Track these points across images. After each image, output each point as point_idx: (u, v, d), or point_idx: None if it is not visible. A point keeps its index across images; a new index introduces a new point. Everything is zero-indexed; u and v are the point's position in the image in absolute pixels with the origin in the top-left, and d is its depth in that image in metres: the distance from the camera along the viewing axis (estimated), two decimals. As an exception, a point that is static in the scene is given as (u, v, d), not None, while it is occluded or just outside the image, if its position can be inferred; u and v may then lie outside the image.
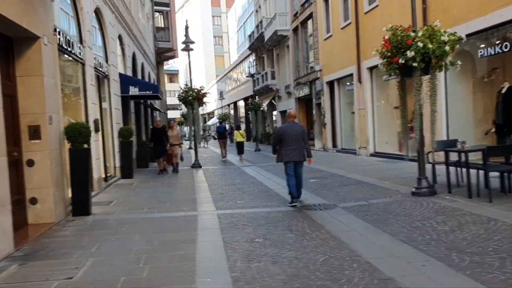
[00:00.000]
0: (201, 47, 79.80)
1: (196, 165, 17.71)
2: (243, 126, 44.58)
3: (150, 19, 29.31)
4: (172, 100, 48.78)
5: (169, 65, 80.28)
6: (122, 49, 17.15)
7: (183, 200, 9.70)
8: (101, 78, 13.25)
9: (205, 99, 18.77)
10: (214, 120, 58.66)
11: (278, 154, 8.70)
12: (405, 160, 12.64)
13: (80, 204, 8.15)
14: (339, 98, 20.93)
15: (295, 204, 8.36)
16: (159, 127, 15.55)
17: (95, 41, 12.53)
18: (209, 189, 11.36)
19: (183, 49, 19.57)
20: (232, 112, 54.09)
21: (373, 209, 7.73)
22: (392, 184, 10.34)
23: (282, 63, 31.31)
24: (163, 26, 39.83)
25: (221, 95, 52.66)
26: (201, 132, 49.19)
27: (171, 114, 54.12)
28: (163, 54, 38.34)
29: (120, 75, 15.24)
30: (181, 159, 16.25)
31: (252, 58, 40.13)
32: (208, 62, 78.68)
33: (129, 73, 17.82)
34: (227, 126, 49.40)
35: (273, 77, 32.95)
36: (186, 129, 54.27)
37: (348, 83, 20.12)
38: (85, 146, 8.29)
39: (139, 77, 20.80)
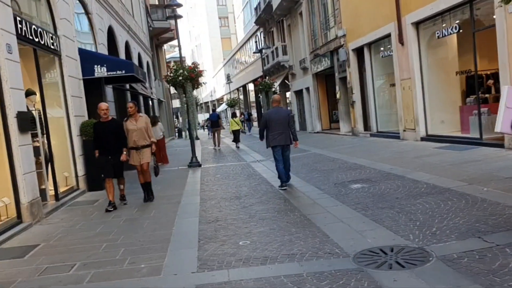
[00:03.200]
0: (206, 30, 75.69)
1: (194, 164, 13.77)
2: (254, 111, 40.46)
3: (138, -8, 25.21)
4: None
5: (175, 52, 76.50)
6: (89, 19, 13.14)
7: (149, 242, 5.72)
8: (43, 55, 9.33)
9: (202, 79, 14.78)
10: (223, 107, 54.65)
11: (266, 140, 8.75)
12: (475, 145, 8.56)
13: None
14: (371, 68, 16.68)
15: (285, 188, 8.57)
16: (107, 121, 8.12)
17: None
18: (200, 211, 7.37)
19: (168, 17, 15.44)
20: (242, 97, 49.94)
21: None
22: (502, 193, 6.22)
23: (295, 35, 27.00)
24: (158, 3, 35.76)
25: (228, 78, 48.41)
26: (204, 121, 45.45)
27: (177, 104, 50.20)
28: (161, 35, 34.35)
29: (81, 51, 11.26)
30: (155, 173, 8.93)
31: (260, 33, 35.79)
32: (214, 45, 74.42)
33: (103, 51, 13.85)
34: (238, 113, 45.45)
35: (285, 53, 28.66)
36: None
37: (382, 48, 15.84)
38: None
39: (123, 58, 16.81)
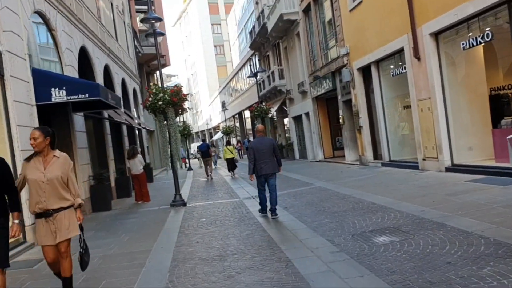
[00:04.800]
0: (201, 58, 74.65)
1: (178, 203, 11.64)
2: (251, 138, 38.52)
3: (124, 15, 23.56)
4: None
5: (171, 81, 75.12)
6: (53, 36, 11.24)
7: None
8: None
9: (187, 104, 12.84)
10: (219, 135, 52.71)
11: (253, 170, 8.66)
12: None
13: None
14: (379, 88, 14.74)
15: (266, 215, 8.71)
16: None
17: None
18: (167, 283, 5.22)
19: (147, 35, 13.58)
20: (238, 124, 48.06)
21: None
22: None
23: (292, 58, 25.26)
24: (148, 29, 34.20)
25: (223, 105, 46.59)
26: (194, 152, 43.33)
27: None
28: (151, 62, 32.66)
29: (35, 72, 9.28)
30: (82, 266, 5.26)
31: (255, 58, 34.14)
32: (210, 73, 73.11)
33: (72, 74, 11.91)
34: (234, 140, 43.47)
35: (281, 77, 26.86)
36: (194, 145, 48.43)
37: (392, 66, 13.95)
38: None
39: (101, 83, 14.88)
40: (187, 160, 30.86)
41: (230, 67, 67.22)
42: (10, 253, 7.37)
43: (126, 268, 6.11)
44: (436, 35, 11.01)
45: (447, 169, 11.04)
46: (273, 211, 8.54)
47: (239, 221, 8.68)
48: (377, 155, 15.77)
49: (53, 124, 11.66)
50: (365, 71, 15.64)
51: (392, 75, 13.86)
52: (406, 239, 5.82)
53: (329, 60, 19.17)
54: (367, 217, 7.51)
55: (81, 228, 5.02)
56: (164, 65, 34.94)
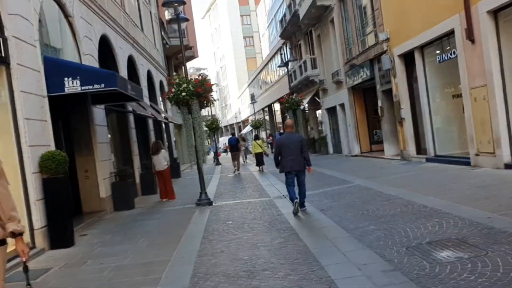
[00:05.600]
0: (231, 50, 73.90)
1: (203, 201, 10.74)
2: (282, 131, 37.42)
3: (150, 4, 22.78)
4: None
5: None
6: (69, 23, 10.47)
7: None
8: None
9: (218, 97, 11.93)
10: (248, 128, 51.83)
11: (280, 166, 8.59)
12: None
13: None
14: (424, 76, 13.36)
15: (297, 211, 8.29)
16: None
17: None
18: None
19: (170, 20, 12.67)
20: (267, 118, 46.99)
21: None
22: None
23: (326, 46, 23.97)
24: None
25: (252, 98, 45.53)
26: (220, 145, 42.24)
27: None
28: (179, 54, 31.91)
29: (47, 60, 8.49)
30: (25, 270, 3.31)
31: (285, 47, 32.90)
32: (239, 66, 72.28)
33: (91, 63, 11.15)
34: (264, 134, 42.48)
35: (314, 66, 25.60)
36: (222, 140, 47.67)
37: (439, 50, 12.57)
38: None
39: (125, 75, 14.15)
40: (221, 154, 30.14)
41: (259, 58, 66.10)
42: (16, 260, 6.65)
43: (139, 284, 5.22)
44: (494, 13, 9.62)
45: (507, 166, 9.68)
46: (302, 204, 8.53)
47: (270, 226, 7.67)
48: (420, 149, 14.42)
49: (71, 117, 10.97)
50: (407, 57, 14.28)
51: (439, 61, 12.47)
52: (477, 256, 4.68)
53: (367, 47, 17.84)
54: (420, 224, 6.36)
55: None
56: (192, 57, 34.19)
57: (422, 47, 13.18)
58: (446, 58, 12.03)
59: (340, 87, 21.91)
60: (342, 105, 22.31)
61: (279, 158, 8.56)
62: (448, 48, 11.92)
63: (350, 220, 7.39)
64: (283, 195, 10.64)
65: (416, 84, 13.90)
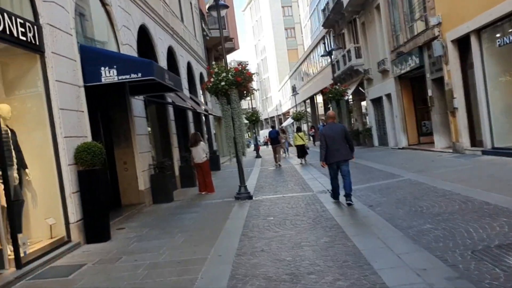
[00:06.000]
0: (272, 42, 73.27)
1: (242, 195, 10.32)
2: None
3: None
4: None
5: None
6: (107, 12, 10.26)
7: None
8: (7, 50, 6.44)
9: (258, 87, 11.48)
10: (289, 121, 51.12)
11: (324, 157, 8.40)
12: None
13: None
14: (481, 62, 12.31)
15: (338, 200, 8.50)
16: None
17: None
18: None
19: (210, 8, 12.28)
20: (309, 110, 46.11)
21: None
22: None
23: (371, 34, 22.98)
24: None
25: (293, 90, 44.70)
26: (261, 138, 41.59)
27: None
28: (219, 46, 31.63)
29: (83, 49, 8.27)
30: None
31: (328, 36, 31.92)
32: (281, 58, 71.54)
33: (130, 53, 10.92)
34: (305, 126, 41.74)
35: (358, 55, 24.62)
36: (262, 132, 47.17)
37: (500, 34, 11.52)
38: None
39: (165, 66, 13.93)
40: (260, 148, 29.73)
41: (301, 50, 65.10)
42: (51, 255, 6.45)
43: (173, 284, 4.83)
44: None
45: None
46: (348, 196, 8.24)
47: (314, 223, 7.13)
48: (475, 141, 13.40)
49: (109, 109, 10.80)
50: (462, 42, 13.24)
51: (499, 45, 11.42)
52: (562, 264, 3.98)
53: (415, 33, 16.82)
54: (485, 224, 5.66)
55: None
56: (233, 49, 33.85)
57: (479, 31, 12.14)
58: (507, 42, 10.98)
59: (386, 77, 20.91)
60: (388, 95, 21.30)
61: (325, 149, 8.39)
62: (511, 30, 10.88)
63: (402, 217, 6.74)
64: (327, 190, 10.05)
65: (472, 70, 12.87)
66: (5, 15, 5.98)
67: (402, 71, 18.48)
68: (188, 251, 6.11)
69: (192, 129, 17.13)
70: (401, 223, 6.38)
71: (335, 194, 8.68)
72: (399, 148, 20.17)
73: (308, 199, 9.49)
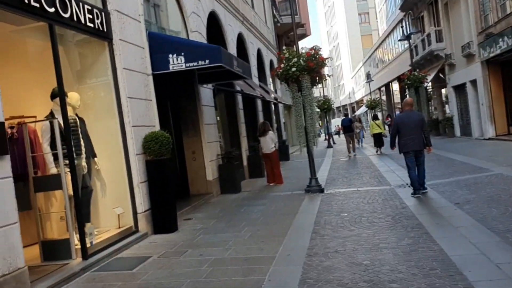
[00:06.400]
0: (344, 28, 71.28)
1: (313, 188, 9.78)
2: (397, 113, 34.74)
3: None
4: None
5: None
6: (178, 1, 10.11)
7: None
8: (75, 37, 6.39)
9: (326, 70, 10.90)
10: (362, 109, 49.38)
11: (398, 145, 8.22)
12: None
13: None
14: None
15: (419, 195, 7.99)
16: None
17: None
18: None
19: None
20: (384, 98, 44.19)
21: None
22: None
23: (454, 15, 21.23)
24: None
25: (368, 77, 42.93)
26: (333, 128, 40.16)
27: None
28: (290, 32, 30.99)
29: (151, 36, 8.12)
30: None
31: (406, 20, 30.11)
32: (354, 44, 69.36)
33: (200, 40, 10.74)
34: (380, 115, 40.11)
35: (439, 39, 22.90)
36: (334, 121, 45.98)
37: None
38: None
39: (234, 54, 13.67)
40: (331, 137, 28.88)
41: (375, 36, 62.57)
42: (118, 245, 6.36)
43: (238, 285, 4.47)
44: None
45: None
46: (422, 185, 8.17)
47: (394, 221, 6.46)
48: None
49: (178, 97, 10.69)
50: None
51: None
52: None
53: (508, 12, 15.15)
54: None
55: None
56: (304, 35, 33.06)
57: None
58: None
59: (472, 61, 19.20)
60: (473, 82, 19.58)
61: (397, 137, 8.25)
62: None
63: (497, 219, 5.90)
64: (406, 184, 9.25)
65: None
66: (73, 1, 5.89)
67: (491, 55, 16.82)
68: (255, 248, 5.73)
69: (261, 118, 16.80)
70: (496, 226, 5.56)
71: (414, 187, 8.17)
72: (484, 139, 18.49)
73: (386, 194, 8.76)
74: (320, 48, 10.19)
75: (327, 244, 5.60)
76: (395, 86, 38.25)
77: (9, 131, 6.45)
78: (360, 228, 6.22)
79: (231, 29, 14.15)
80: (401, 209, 7.25)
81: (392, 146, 8.65)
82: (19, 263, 4.38)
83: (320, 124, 34.19)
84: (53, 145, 5.83)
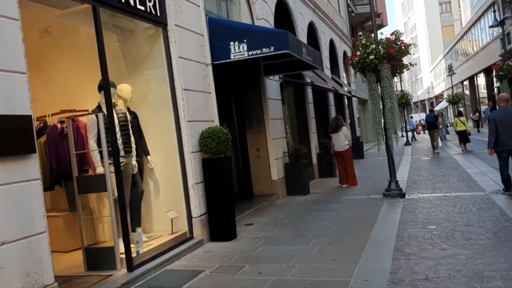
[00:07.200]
0: (423, 19, 67.35)
1: (393, 192, 8.58)
2: (483, 108, 31.72)
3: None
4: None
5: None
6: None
7: None
8: (124, 21, 5.80)
9: (410, 59, 9.69)
10: (443, 104, 46.04)
11: (494, 144, 7.74)
12: None
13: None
14: None
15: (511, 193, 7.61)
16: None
17: None
18: None
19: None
20: (467, 92, 40.81)
21: None
22: None
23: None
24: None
25: (450, 69, 39.75)
26: (414, 122, 37.24)
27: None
28: (366, 23, 29.27)
29: (212, 22, 7.38)
30: None
31: (498, 6, 27.25)
32: (433, 35, 65.27)
33: (266, 24, 9.91)
34: (462, 110, 37.13)
35: (538, 24, 20.31)
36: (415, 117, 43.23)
37: None
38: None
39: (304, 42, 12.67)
40: (414, 133, 27.14)
41: (457, 26, 58.33)
42: (170, 254, 5.67)
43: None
44: None
45: None
46: None
47: (497, 238, 5.21)
48: None
49: (240, 90, 9.93)
50: None
51: None
52: None
53: None
54: None
55: None
56: (381, 26, 31.07)
57: None
58: None
59: None
60: None
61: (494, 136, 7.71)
62: None
63: None
64: (503, 190, 7.81)
65: None
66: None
67: None
68: (325, 268, 4.77)
69: (332, 113, 15.64)
70: None
71: (506, 186, 7.73)
72: None
73: (480, 202, 7.39)
74: (402, 33, 8.94)
75: (414, 267, 4.51)
76: (481, 80, 35.07)
77: (59, 126, 6.06)
78: (454, 247, 5.04)
79: (301, 17, 13.16)
80: (504, 222, 5.94)
81: (490, 146, 7.81)
82: (46, 280, 3.77)
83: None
84: (100, 142, 5.26)
